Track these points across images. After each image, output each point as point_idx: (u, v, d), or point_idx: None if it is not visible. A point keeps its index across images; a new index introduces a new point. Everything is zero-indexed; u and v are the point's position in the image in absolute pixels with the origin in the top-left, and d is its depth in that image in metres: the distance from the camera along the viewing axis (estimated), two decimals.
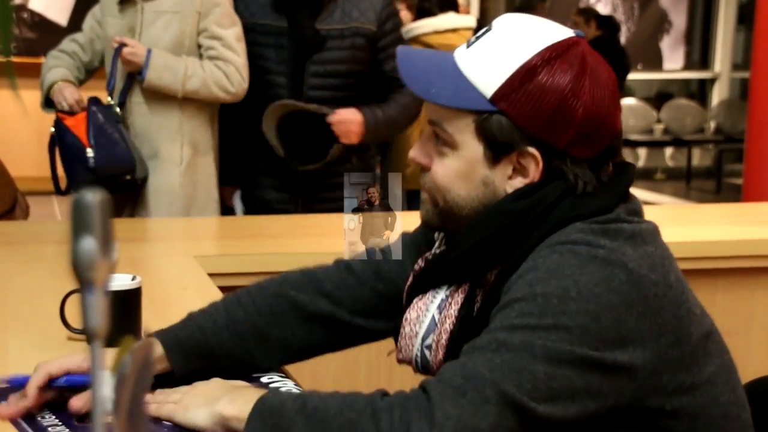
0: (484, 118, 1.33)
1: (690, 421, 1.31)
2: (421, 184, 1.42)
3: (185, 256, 2.52)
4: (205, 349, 1.51)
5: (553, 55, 1.30)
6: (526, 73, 1.30)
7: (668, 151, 11.04)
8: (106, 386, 0.70)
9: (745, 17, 10.96)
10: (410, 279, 1.48)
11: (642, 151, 10.97)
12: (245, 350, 1.54)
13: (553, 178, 1.33)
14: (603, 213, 1.32)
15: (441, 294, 1.42)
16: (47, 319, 1.80)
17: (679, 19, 11.05)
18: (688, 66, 11.25)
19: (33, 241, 2.75)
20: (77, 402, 1.36)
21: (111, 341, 0.71)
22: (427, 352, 1.42)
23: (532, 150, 1.32)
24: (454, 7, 4.99)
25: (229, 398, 1.32)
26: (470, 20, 5.15)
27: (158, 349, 1.48)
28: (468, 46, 1.37)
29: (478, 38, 1.37)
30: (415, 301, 1.44)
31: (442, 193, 1.38)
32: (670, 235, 3.07)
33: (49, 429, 1.35)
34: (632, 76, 8.10)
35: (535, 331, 1.20)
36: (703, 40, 11.16)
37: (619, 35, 7.71)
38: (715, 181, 9.99)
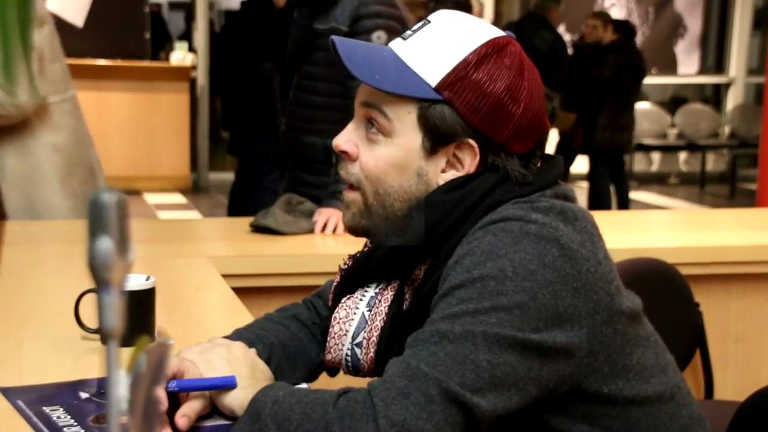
0: (428, 107, 1.33)
1: (627, 405, 1.32)
2: (345, 177, 1.40)
3: (199, 257, 2.53)
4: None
5: (495, 48, 1.33)
6: (473, 63, 1.32)
7: (682, 155, 11.00)
8: (121, 386, 0.70)
9: (761, 22, 10.93)
10: (337, 279, 1.47)
11: (656, 156, 10.94)
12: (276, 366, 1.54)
13: (485, 171, 1.35)
14: (536, 192, 1.34)
15: (370, 292, 1.42)
16: (61, 319, 1.81)
17: (694, 24, 11.01)
18: (702, 70, 11.21)
19: (47, 241, 2.76)
20: (181, 420, 1.31)
21: (125, 341, 0.72)
22: (357, 350, 1.41)
23: (471, 142, 1.33)
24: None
25: (242, 385, 1.33)
26: None
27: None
28: (405, 39, 1.38)
29: (415, 32, 1.38)
30: (343, 300, 1.44)
31: (373, 184, 1.37)
32: (684, 240, 3.08)
33: (65, 429, 1.35)
34: (647, 80, 8.06)
35: (475, 317, 1.21)
36: (718, 44, 11.12)
37: (635, 39, 7.69)
38: (729, 186, 9.95)
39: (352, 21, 3.02)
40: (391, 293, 1.40)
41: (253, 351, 1.45)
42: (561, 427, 1.30)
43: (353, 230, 1.43)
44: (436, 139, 1.34)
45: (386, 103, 1.34)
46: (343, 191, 1.42)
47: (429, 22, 1.38)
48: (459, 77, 1.32)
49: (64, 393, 1.49)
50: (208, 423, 1.36)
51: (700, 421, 1.42)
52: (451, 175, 1.35)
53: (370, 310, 1.40)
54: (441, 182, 1.35)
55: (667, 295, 2.47)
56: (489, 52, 1.33)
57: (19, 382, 1.54)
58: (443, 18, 1.38)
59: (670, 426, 1.36)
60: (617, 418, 1.31)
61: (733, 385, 2.86)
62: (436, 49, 1.34)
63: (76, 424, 1.37)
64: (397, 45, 1.38)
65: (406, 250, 1.35)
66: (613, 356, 1.30)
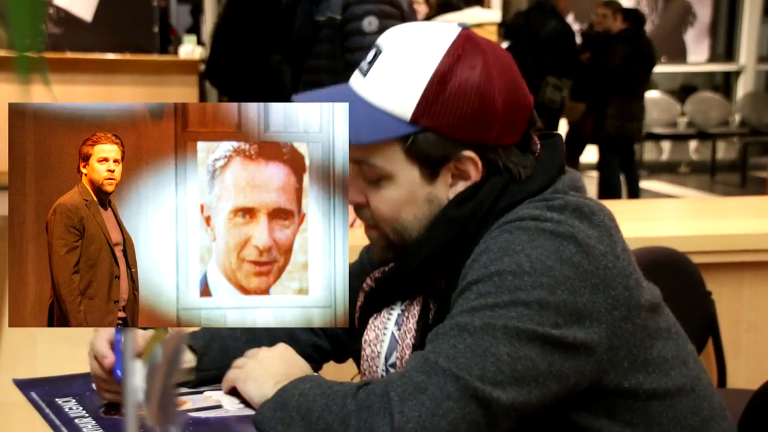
0: (411, 142, 1.31)
1: (647, 399, 1.31)
2: (363, 221, 1.41)
3: None
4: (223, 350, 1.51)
5: (455, 57, 1.30)
6: (438, 82, 1.29)
7: (692, 144, 10.97)
8: (137, 376, 0.70)
9: None
10: (360, 299, 1.47)
11: (666, 145, 10.91)
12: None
13: (491, 173, 1.33)
14: (547, 187, 1.33)
15: (396, 310, 1.41)
16: None
17: (703, 12, 10.97)
18: (712, 58, 11.17)
19: None
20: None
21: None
22: (392, 371, 1.40)
23: (468, 153, 1.32)
24: (479, 1, 4.96)
25: (278, 380, 1.34)
26: (495, 15, 5.12)
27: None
28: (364, 74, 1.34)
29: (371, 64, 1.34)
30: (370, 321, 1.43)
31: (390, 224, 1.37)
32: (695, 228, 3.07)
33: (77, 420, 1.36)
34: (656, 68, 8.03)
35: (495, 310, 1.21)
36: (728, 32, 11.08)
37: (645, 28, 7.66)
38: (740, 175, 9.92)
39: (343, 9, 2.96)
40: (417, 308, 1.40)
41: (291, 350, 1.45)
42: (583, 423, 1.30)
43: (383, 263, 1.44)
44: (432, 165, 1.33)
45: (371, 154, 1.33)
46: (365, 230, 1.42)
47: (380, 51, 1.34)
48: (430, 102, 1.29)
49: (76, 385, 1.49)
50: (235, 413, 1.37)
51: (721, 413, 1.41)
52: (461, 185, 1.35)
53: (399, 329, 1.40)
54: (452, 196, 1.35)
55: (679, 283, 2.46)
56: (450, 63, 1.30)
57: (31, 374, 1.54)
58: (393, 42, 1.34)
59: (691, 418, 1.35)
60: (638, 412, 1.31)
61: (746, 374, 2.85)
62: (398, 79, 1.31)
63: (88, 415, 1.38)
64: (357, 83, 1.35)
65: (431, 266, 1.35)
66: (633, 351, 1.29)
